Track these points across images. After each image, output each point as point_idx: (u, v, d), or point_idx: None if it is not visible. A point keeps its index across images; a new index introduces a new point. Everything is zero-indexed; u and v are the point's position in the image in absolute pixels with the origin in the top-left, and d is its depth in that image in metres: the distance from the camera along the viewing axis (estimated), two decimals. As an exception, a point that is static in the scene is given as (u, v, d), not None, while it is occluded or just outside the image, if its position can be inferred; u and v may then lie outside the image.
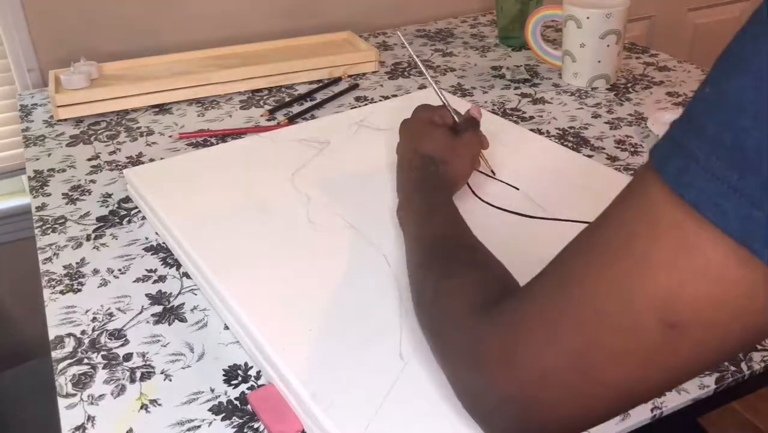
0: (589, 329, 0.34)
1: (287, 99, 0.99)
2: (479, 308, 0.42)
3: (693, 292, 0.30)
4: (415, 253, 0.54)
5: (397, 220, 0.63)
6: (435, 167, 0.64)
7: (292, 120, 0.93)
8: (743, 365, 0.52)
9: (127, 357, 0.55)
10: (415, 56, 0.70)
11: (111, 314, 0.60)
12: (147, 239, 0.70)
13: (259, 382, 0.53)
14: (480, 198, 0.68)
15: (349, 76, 1.06)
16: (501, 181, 0.71)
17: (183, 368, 0.54)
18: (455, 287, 0.46)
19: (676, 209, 0.30)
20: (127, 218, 0.73)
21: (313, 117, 0.93)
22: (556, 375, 0.35)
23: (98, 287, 0.63)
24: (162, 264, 0.66)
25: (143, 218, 0.73)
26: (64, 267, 0.66)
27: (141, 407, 0.51)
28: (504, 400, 0.38)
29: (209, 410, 0.50)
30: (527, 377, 0.36)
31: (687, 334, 0.31)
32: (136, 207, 0.75)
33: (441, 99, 0.70)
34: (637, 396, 0.35)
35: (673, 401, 0.50)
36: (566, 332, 0.35)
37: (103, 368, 0.54)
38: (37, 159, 0.86)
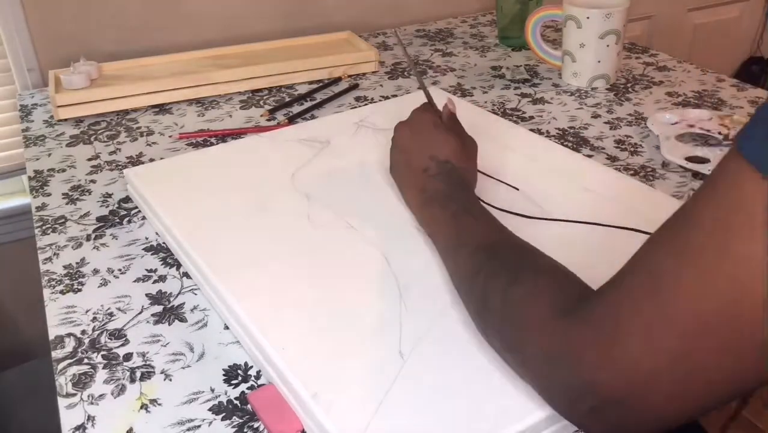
0: (691, 332, 0.33)
1: (287, 99, 0.99)
2: (563, 311, 0.41)
3: None
4: (465, 262, 0.53)
5: (402, 220, 0.63)
6: (456, 172, 0.62)
7: (292, 120, 0.93)
8: (743, 365, 0.52)
9: (127, 357, 0.55)
10: (404, 50, 0.71)
11: (111, 314, 0.60)
12: (147, 238, 0.70)
13: (259, 382, 0.53)
14: (480, 199, 0.68)
15: (349, 76, 1.06)
16: (501, 181, 0.71)
17: (183, 367, 0.54)
18: (528, 293, 0.45)
19: None
20: (127, 218, 0.73)
21: (313, 117, 0.93)
22: (659, 376, 0.35)
23: (98, 286, 0.63)
24: (162, 264, 0.66)
25: (143, 217, 0.73)
26: (64, 267, 0.66)
27: (141, 407, 0.51)
28: (605, 401, 0.37)
29: (209, 409, 0.50)
30: (629, 379, 0.36)
31: None
32: (136, 207, 0.75)
33: (426, 96, 0.70)
34: (742, 385, 0.35)
35: (672, 400, 0.50)
36: (666, 336, 0.34)
37: (103, 367, 0.54)
38: (37, 159, 0.86)
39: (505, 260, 0.50)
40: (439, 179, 0.62)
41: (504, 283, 0.47)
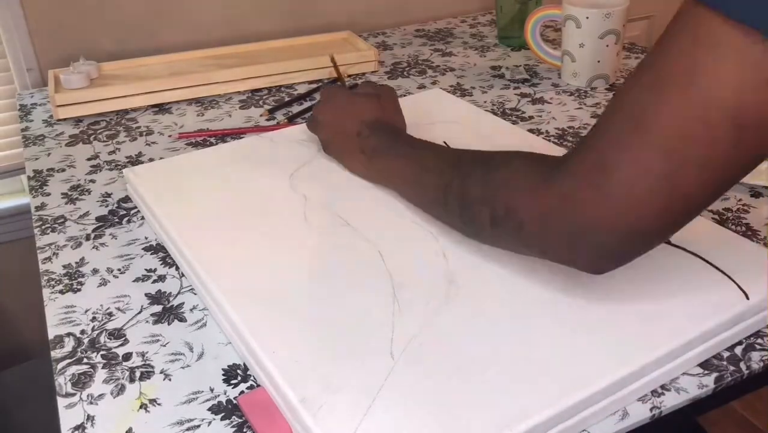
0: (677, 152, 0.39)
1: (287, 99, 0.99)
2: (546, 177, 0.45)
3: (759, 98, 0.36)
4: (433, 183, 0.57)
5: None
6: (388, 127, 0.68)
7: (291, 120, 0.93)
8: (742, 365, 0.52)
9: (127, 357, 0.55)
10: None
11: (110, 314, 0.60)
12: (146, 238, 0.70)
13: (259, 382, 0.53)
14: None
15: (349, 76, 1.06)
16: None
17: (182, 367, 0.54)
18: (508, 174, 0.49)
19: (735, 33, 0.36)
20: (126, 218, 0.73)
21: (312, 117, 0.93)
22: (649, 198, 0.40)
23: (98, 286, 0.63)
24: (161, 264, 0.66)
25: (142, 217, 0.73)
26: (64, 267, 0.66)
27: (140, 407, 0.51)
28: (606, 233, 0.42)
29: (209, 409, 0.50)
30: (625, 207, 0.41)
31: (750, 132, 0.38)
32: (136, 207, 0.75)
33: (337, 73, 0.78)
34: (705, 204, 0.42)
35: (672, 400, 0.50)
36: (652, 158, 0.40)
37: (103, 367, 0.54)
38: (37, 159, 0.86)
39: (475, 163, 0.54)
40: (375, 137, 0.67)
41: (480, 175, 0.51)
